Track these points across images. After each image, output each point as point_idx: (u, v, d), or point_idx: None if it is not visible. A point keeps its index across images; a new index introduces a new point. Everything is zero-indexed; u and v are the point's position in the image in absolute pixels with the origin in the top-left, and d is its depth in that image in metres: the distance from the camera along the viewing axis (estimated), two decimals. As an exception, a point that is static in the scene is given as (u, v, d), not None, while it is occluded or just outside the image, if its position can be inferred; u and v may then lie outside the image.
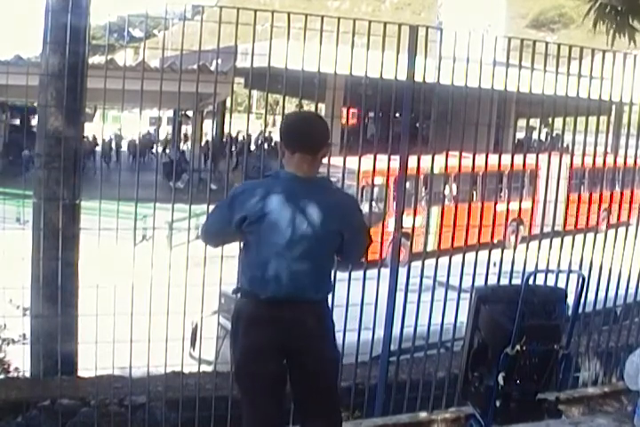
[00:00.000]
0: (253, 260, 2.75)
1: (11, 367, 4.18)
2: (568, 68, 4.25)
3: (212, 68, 4.16)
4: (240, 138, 27.82)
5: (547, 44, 4.23)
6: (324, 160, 2.96)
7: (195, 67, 3.93)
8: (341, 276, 3.58)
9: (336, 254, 2.94)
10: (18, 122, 25.02)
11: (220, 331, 5.99)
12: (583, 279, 3.40)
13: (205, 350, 4.70)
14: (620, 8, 4.65)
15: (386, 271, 3.96)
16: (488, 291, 3.61)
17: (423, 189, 8.37)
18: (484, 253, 4.20)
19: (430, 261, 4.19)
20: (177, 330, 3.67)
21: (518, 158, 4.35)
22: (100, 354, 3.59)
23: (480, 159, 4.12)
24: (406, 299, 4.00)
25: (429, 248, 4.34)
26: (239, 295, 2.87)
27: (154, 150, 24.67)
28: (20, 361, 4.02)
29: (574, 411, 4.36)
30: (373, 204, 4.13)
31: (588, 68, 4.27)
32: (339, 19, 3.70)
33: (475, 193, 5.27)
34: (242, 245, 2.83)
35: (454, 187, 4.85)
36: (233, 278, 3.64)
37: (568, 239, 4.37)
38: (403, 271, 4.05)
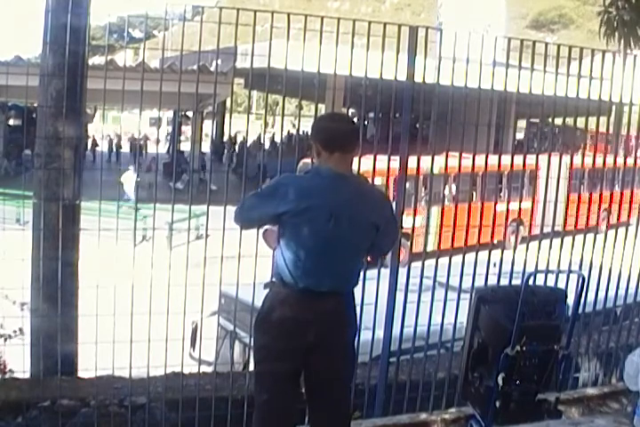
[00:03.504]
0: (295, 251, 2.81)
1: (7, 368, 4.17)
2: (568, 69, 4.24)
3: (212, 68, 4.15)
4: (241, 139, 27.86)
5: (546, 44, 4.23)
6: None
7: (195, 67, 3.93)
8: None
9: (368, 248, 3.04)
10: (18, 122, 25.01)
11: (220, 332, 6.00)
12: (583, 279, 3.40)
13: (205, 351, 4.70)
14: (627, 18, 4.66)
15: (386, 271, 3.96)
16: (488, 291, 3.62)
17: (423, 189, 8.38)
18: (483, 254, 4.20)
19: (430, 262, 4.19)
20: (177, 331, 3.67)
21: (518, 159, 4.35)
22: (99, 354, 3.59)
23: (480, 159, 4.12)
24: (406, 299, 3.99)
25: (429, 248, 4.34)
26: (270, 289, 2.92)
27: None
28: (20, 361, 4.01)
29: (574, 411, 4.36)
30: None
31: (587, 69, 4.27)
32: (338, 19, 3.70)
33: (474, 193, 5.27)
34: (281, 236, 2.86)
35: (454, 187, 4.85)
36: (233, 279, 3.66)
37: (568, 239, 4.37)
38: (403, 271, 4.05)
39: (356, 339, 3.10)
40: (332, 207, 2.79)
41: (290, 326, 2.83)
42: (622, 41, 4.69)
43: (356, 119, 3.37)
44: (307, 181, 2.88)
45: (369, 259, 3.30)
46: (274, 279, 2.93)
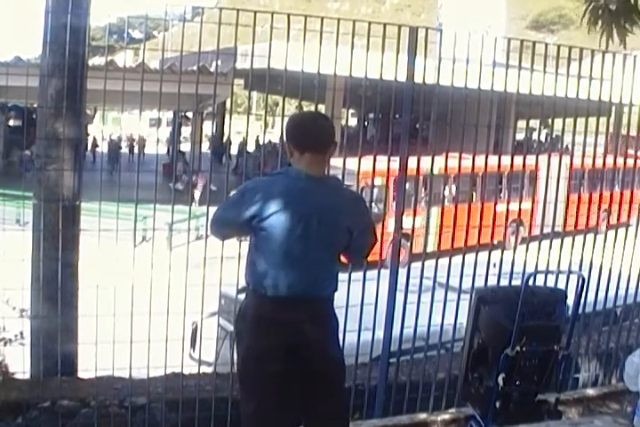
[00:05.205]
0: (264, 257, 2.75)
1: (8, 369, 4.16)
2: (568, 69, 4.25)
3: (212, 69, 4.15)
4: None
5: (546, 45, 4.24)
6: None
7: (194, 68, 3.93)
8: (341, 276, 3.58)
9: (342, 252, 2.95)
10: (19, 123, 25.04)
11: (220, 332, 6.00)
12: (583, 280, 3.41)
13: (205, 352, 4.70)
14: (612, 8, 4.65)
15: (386, 272, 3.95)
16: (488, 292, 3.62)
17: (423, 189, 8.38)
18: (483, 254, 4.20)
19: (430, 262, 4.18)
20: (177, 331, 3.67)
21: (518, 159, 4.36)
22: (99, 355, 3.59)
23: (480, 160, 4.12)
24: (406, 300, 3.99)
25: (429, 249, 4.34)
26: (245, 294, 2.87)
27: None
28: (20, 362, 4.01)
29: (574, 412, 4.36)
30: (373, 204, 4.13)
31: (587, 69, 4.27)
32: (338, 20, 3.71)
33: (474, 194, 5.27)
34: (251, 241, 2.82)
35: (454, 188, 4.86)
36: (233, 280, 3.66)
37: (568, 240, 4.37)
38: (403, 272, 4.05)
39: (341, 343, 3.01)
40: (301, 210, 2.71)
41: (267, 325, 2.75)
42: (606, 31, 4.67)
43: (356, 120, 3.35)
44: (274, 183, 2.78)
45: (347, 261, 3.21)
46: (248, 285, 2.86)
